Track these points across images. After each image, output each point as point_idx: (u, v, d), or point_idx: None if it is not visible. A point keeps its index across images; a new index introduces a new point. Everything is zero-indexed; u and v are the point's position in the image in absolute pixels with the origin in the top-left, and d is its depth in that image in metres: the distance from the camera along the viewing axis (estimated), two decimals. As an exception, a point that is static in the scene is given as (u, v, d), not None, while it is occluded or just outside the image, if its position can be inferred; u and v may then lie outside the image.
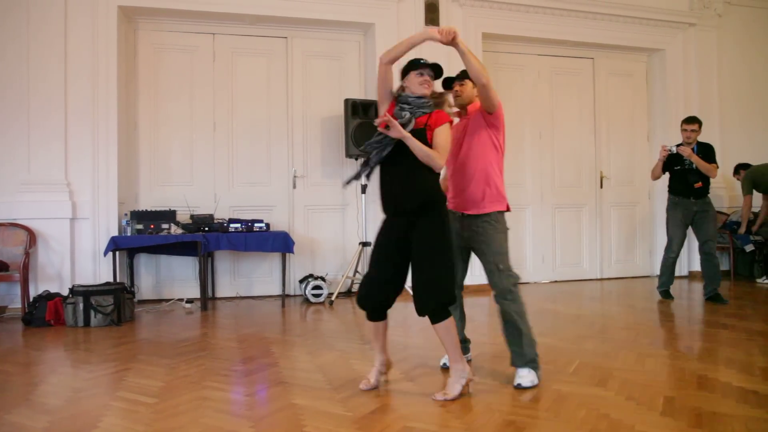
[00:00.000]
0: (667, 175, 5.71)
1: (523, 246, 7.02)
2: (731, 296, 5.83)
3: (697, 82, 7.36)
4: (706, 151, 5.51)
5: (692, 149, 5.48)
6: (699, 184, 5.52)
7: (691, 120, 5.57)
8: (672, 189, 5.71)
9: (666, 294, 5.75)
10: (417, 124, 2.88)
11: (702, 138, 5.59)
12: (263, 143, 6.30)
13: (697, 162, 5.43)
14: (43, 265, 5.34)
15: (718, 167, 5.55)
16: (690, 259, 7.34)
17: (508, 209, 3.21)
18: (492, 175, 3.15)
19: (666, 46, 7.34)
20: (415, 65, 2.93)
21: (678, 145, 5.50)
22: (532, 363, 3.05)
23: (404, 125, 2.83)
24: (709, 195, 5.62)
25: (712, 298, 5.48)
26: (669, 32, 7.32)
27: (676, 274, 5.87)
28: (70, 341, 4.26)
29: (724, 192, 7.40)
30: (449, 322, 2.83)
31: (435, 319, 2.81)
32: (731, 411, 2.60)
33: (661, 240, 7.41)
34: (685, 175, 5.55)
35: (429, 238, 2.83)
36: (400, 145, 2.84)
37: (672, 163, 5.60)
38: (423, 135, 2.85)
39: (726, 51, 7.54)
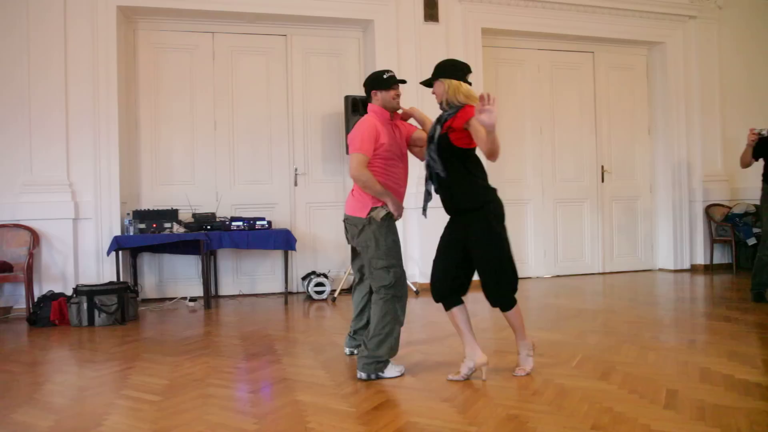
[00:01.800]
0: (760, 162, 5.10)
1: (524, 241, 7.02)
2: (734, 289, 5.84)
3: (698, 74, 7.32)
4: None
5: None
6: None
7: None
8: (767, 178, 5.04)
9: (759, 297, 5.01)
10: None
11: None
12: (264, 141, 6.30)
13: None
14: (47, 266, 5.36)
15: None
16: (693, 252, 7.34)
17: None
18: None
19: (666, 39, 7.31)
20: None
21: None
22: None
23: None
24: None
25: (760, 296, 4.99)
26: (669, 25, 7.30)
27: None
28: (75, 341, 4.28)
29: (726, 184, 7.37)
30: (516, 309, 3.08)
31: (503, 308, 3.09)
32: (734, 403, 2.61)
33: (663, 234, 7.46)
34: None
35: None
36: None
37: (765, 148, 5.03)
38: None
39: (726, 43, 7.50)
